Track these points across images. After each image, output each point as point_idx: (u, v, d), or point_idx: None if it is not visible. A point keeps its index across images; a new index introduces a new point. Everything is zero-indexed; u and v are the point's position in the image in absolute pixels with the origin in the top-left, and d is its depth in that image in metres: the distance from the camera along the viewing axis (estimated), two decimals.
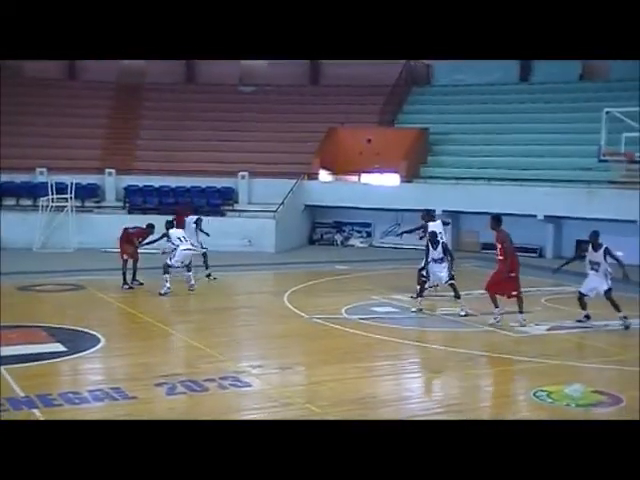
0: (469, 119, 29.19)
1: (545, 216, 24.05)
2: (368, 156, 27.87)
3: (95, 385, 10.05)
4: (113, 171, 27.88)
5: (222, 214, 26.70)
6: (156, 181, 27.81)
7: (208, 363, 11.42)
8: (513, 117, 28.61)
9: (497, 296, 14.25)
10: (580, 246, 14.23)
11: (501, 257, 14.05)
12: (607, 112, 18.72)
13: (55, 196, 25.18)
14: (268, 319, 15.37)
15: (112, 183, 27.91)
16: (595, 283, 14.11)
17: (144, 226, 18.32)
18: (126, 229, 18.29)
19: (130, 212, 26.87)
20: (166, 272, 17.19)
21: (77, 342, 12.35)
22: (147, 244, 18.12)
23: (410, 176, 27.39)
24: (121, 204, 27.66)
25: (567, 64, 29.93)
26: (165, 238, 17.73)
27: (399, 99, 31.56)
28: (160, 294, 16.93)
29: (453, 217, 25.62)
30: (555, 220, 24.21)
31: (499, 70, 31.10)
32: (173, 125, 30.78)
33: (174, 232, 17.82)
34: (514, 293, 14.03)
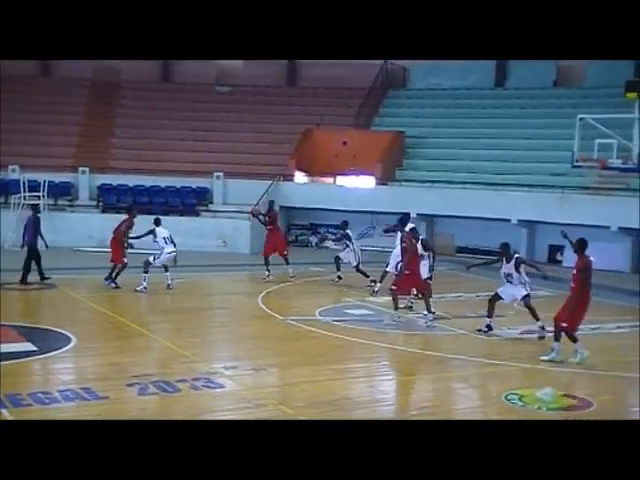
0: (444, 123, 29.30)
1: (519, 220, 24.20)
2: (344, 158, 27.88)
3: (66, 385, 9.95)
4: (87, 169, 27.64)
5: (197, 214, 26.60)
6: (131, 180, 27.61)
7: (181, 364, 11.36)
8: (488, 122, 28.75)
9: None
10: (502, 252, 13.95)
11: (573, 285, 12.01)
12: (581, 118, 18.89)
13: (27, 194, 24.92)
14: (242, 320, 15.32)
15: (86, 181, 27.66)
16: (513, 290, 13.88)
17: (126, 215, 18.19)
18: (116, 230, 18.00)
19: (104, 211, 26.67)
20: (146, 271, 17.15)
21: (48, 341, 12.22)
22: (134, 238, 17.83)
23: (385, 179, 27.44)
24: (94, 203, 27.43)
25: (542, 70, 30.21)
26: (151, 235, 17.60)
27: (375, 102, 31.62)
28: (136, 290, 16.89)
29: (428, 220, 25.76)
30: (529, 224, 24.37)
31: (475, 74, 31.27)
32: (149, 124, 30.59)
33: (160, 231, 17.68)
34: (564, 325, 11.89)
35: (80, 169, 27.60)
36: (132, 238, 17.87)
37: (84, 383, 10.00)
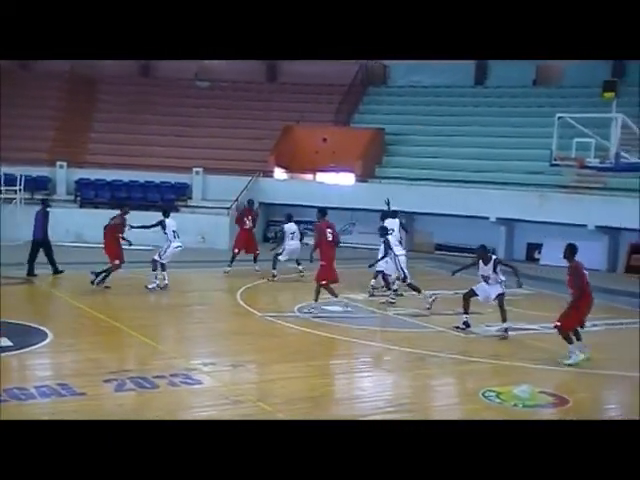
0: (425, 120, 29.35)
1: (497, 218, 24.31)
2: (324, 155, 27.87)
3: (42, 381, 9.88)
4: (65, 164, 27.44)
5: (176, 210, 26.43)
6: (109, 175, 27.46)
7: (159, 360, 11.32)
8: (468, 120, 28.84)
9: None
10: (479, 254, 14.00)
11: (571, 290, 12.00)
12: (559, 117, 18.95)
13: (4, 188, 24.69)
14: (220, 316, 15.28)
15: (63, 176, 27.46)
16: (489, 289, 13.94)
17: (119, 211, 17.44)
18: (107, 225, 17.19)
19: (81, 206, 26.48)
20: (155, 268, 16.86)
21: (24, 337, 12.12)
22: (141, 227, 17.27)
23: (365, 176, 27.47)
24: (72, 197, 27.23)
25: (521, 69, 30.32)
26: (160, 227, 17.26)
27: (355, 99, 31.62)
28: (146, 287, 16.72)
29: (408, 218, 25.77)
30: (507, 222, 24.49)
31: (455, 73, 31.30)
32: (127, 118, 30.42)
33: (170, 223, 17.32)
34: (557, 324, 11.88)
35: (58, 163, 27.40)
36: (139, 227, 17.25)
37: (61, 379, 9.93)
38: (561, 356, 11.79)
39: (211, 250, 23.84)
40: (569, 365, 11.58)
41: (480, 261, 13.92)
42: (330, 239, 15.31)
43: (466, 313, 14.17)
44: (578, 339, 11.91)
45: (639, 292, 18.65)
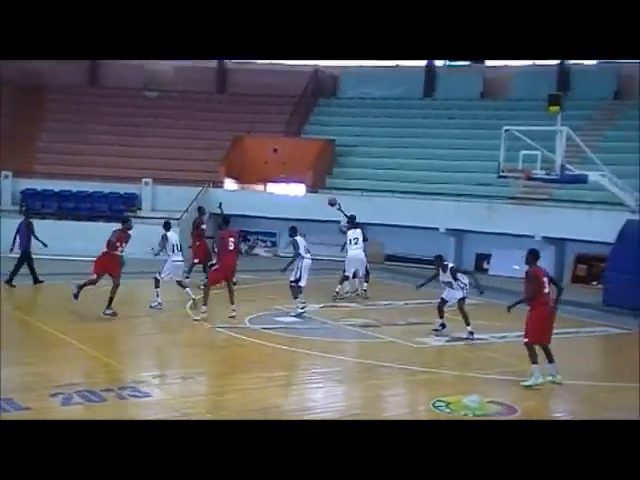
0: (374, 132, 29.54)
1: (447, 229, 24.53)
2: (274, 166, 27.85)
3: None
4: (10, 173, 26.96)
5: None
6: (56, 185, 27.02)
7: (107, 373, 11.16)
8: (417, 131, 29.11)
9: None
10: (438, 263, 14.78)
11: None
12: (506, 130, 19.24)
13: None
14: (170, 328, 15.11)
15: (8, 186, 26.98)
16: (453, 294, 14.63)
17: (120, 226, 16.46)
18: (108, 242, 15.93)
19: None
20: (157, 286, 16.39)
21: None
22: (159, 251, 16.77)
23: (316, 187, 27.50)
24: (17, 208, 26.72)
25: (469, 82, 30.80)
26: (162, 240, 16.78)
27: (306, 110, 31.68)
28: (151, 307, 16.21)
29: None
30: (457, 233, 24.73)
31: (404, 84, 31.63)
32: (75, 128, 29.99)
33: (172, 236, 16.88)
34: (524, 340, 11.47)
35: (3, 173, 26.91)
36: (157, 253, 16.82)
37: (5, 394, 9.68)
38: (510, 365, 11.90)
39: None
40: (526, 386, 11.09)
41: (440, 270, 14.61)
42: (232, 248, 15.55)
43: (441, 317, 14.84)
44: (550, 360, 11.37)
45: (585, 302, 19.02)
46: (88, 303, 16.69)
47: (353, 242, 18.62)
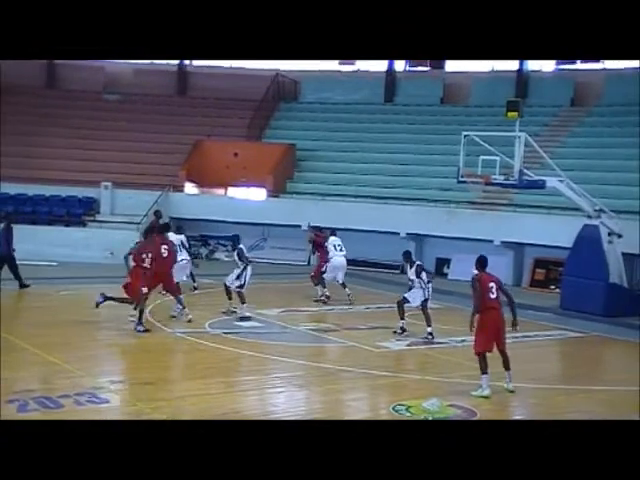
0: (335, 136, 29.60)
1: (407, 234, 24.64)
2: (235, 170, 27.74)
3: None
4: None
5: (83, 224, 25.88)
6: (12, 188, 26.61)
7: (64, 379, 11.00)
8: (378, 136, 29.21)
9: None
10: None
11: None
12: (465, 135, 19.39)
13: None
14: (129, 333, 14.93)
15: None
16: (415, 294, 14.97)
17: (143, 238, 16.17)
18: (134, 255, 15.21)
19: None
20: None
21: None
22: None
23: (277, 191, 27.48)
24: None
25: (429, 87, 31.04)
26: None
27: (266, 114, 31.63)
28: (172, 316, 15.76)
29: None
30: (417, 238, 24.86)
31: (365, 90, 31.78)
32: (32, 131, 29.56)
33: (175, 237, 16.60)
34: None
35: None
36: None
37: None
38: (470, 369, 11.96)
39: (120, 265, 23.33)
40: (475, 396, 10.97)
41: (407, 265, 15.28)
42: (165, 255, 15.33)
43: (402, 319, 14.99)
44: (505, 367, 11.27)
45: (544, 306, 19.26)
46: (45, 309, 16.49)
47: (338, 248, 18.76)
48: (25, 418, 9.07)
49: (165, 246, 15.52)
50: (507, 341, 12.12)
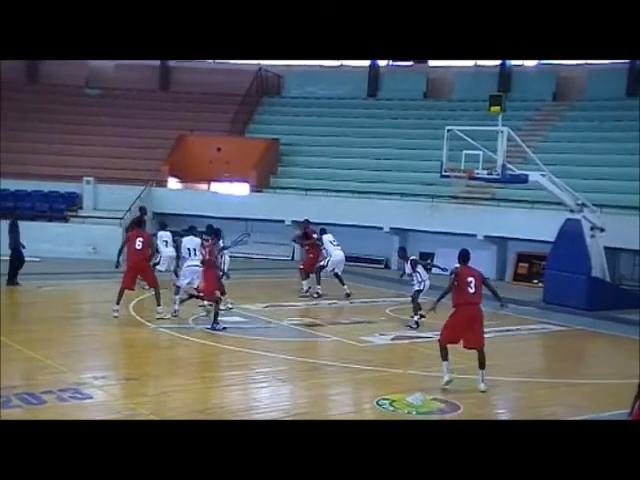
0: (319, 131, 29.58)
1: (391, 228, 24.69)
2: (218, 165, 27.67)
3: None
4: None
5: (65, 220, 25.74)
6: None
7: (47, 375, 10.95)
8: (361, 131, 29.22)
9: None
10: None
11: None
12: (448, 130, 19.42)
13: None
14: (112, 329, 14.89)
15: None
16: (413, 286, 15.62)
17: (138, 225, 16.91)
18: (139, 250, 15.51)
19: None
20: (176, 293, 15.85)
21: None
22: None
23: (260, 186, 27.43)
24: None
25: (412, 82, 31.06)
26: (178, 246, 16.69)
27: (250, 109, 31.55)
28: (173, 315, 15.53)
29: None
30: (400, 232, 24.89)
31: (348, 84, 31.76)
32: (14, 126, 29.29)
33: (188, 241, 16.30)
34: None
35: None
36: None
37: None
38: (453, 363, 12.00)
39: (102, 261, 23.24)
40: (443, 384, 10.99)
41: (403, 261, 16.11)
42: (139, 248, 15.27)
43: (416, 314, 15.37)
44: (480, 366, 11.06)
45: (526, 300, 19.34)
46: (27, 305, 16.40)
47: (335, 243, 19.01)
48: (7, 414, 9.02)
49: (140, 238, 15.41)
50: (489, 335, 12.20)
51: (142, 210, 20.66)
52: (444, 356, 11.13)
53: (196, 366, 11.97)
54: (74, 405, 9.55)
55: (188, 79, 31.98)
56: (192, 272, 15.53)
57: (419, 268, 15.55)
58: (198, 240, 15.53)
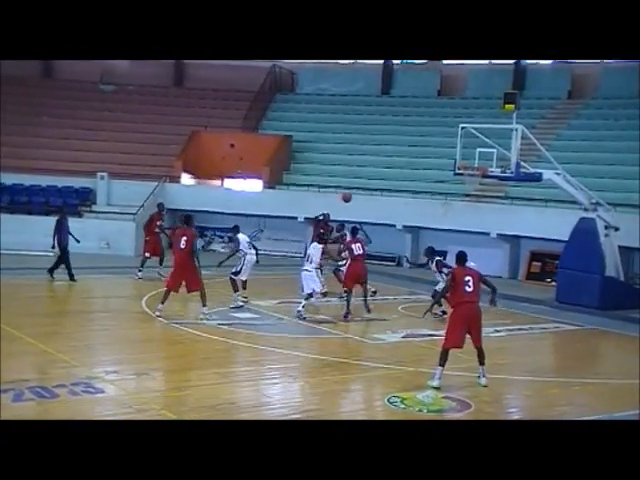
0: (332, 128, 29.56)
1: (404, 226, 24.65)
2: (231, 161, 27.71)
3: None
4: None
5: (79, 215, 25.82)
6: (9, 179, 26.55)
7: (59, 368, 11.00)
8: (375, 128, 29.18)
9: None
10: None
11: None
12: (462, 127, 19.34)
13: None
14: (125, 323, 14.97)
15: None
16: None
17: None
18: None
19: None
20: (235, 289, 16.42)
21: None
22: (224, 260, 16.79)
23: (273, 182, 27.45)
24: None
25: (426, 80, 30.98)
26: (233, 244, 17.09)
27: (263, 105, 31.58)
28: (230, 307, 16.01)
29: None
30: (413, 230, 24.87)
31: (361, 81, 31.73)
32: (29, 121, 29.49)
33: (243, 237, 16.93)
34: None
35: None
36: (222, 261, 16.74)
37: None
38: (464, 361, 11.98)
39: (116, 256, 23.37)
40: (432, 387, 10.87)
41: (429, 261, 16.23)
42: (183, 246, 14.94)
43: (440, 305, 15.35)
44: (480, 362, 11.17)
45: (539, 299, 19.27)
46: (40, 299, 16.48)
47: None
48: (20, 407, 9.07)
49: (184, 237, 15.11)
50: (502, 334, 12.21)
51: (160, 206, 20.80)
52: (442, 361, 11.06)
53: (207, 362, 11.98)
54: (86, 399, 9.59)
55: (202, 75, 32.01)
56: (253, 263, 16.80)
57: (444, 270, 15.50)
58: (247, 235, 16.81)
